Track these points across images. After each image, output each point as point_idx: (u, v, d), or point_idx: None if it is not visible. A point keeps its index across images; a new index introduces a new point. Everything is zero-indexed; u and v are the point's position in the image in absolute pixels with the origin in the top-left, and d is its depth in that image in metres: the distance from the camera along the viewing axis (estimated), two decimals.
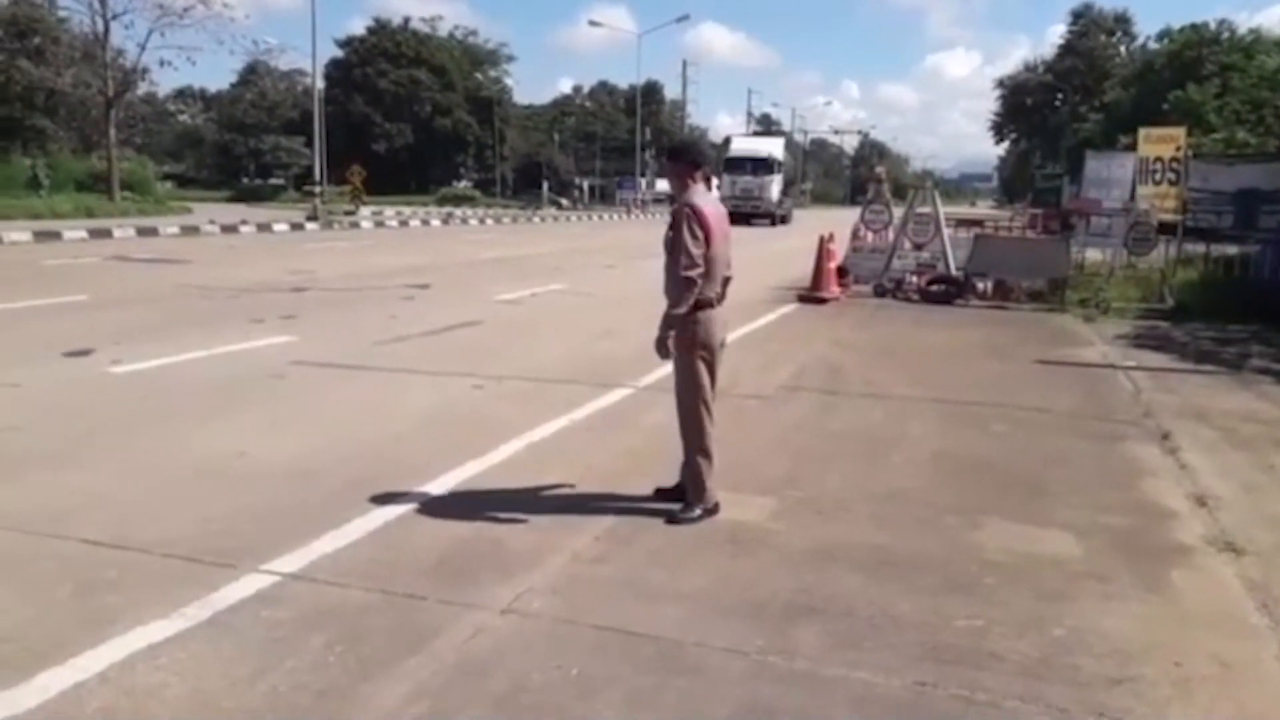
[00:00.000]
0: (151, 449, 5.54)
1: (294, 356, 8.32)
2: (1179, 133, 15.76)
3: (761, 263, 18.95)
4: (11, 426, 5.94)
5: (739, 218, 36.19)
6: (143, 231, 23.08)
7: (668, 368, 4.77)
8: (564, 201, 61.51)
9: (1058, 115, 75.01)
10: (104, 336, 8.83)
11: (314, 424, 6.23)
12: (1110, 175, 17.28)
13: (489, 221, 39.43)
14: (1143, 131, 16.47)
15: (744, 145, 49.62)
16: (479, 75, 76.02)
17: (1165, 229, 14.55)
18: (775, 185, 45.53)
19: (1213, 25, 50.95)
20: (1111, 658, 3.36)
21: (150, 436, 5.80)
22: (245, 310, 11.08)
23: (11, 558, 3.94)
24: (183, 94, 73.27)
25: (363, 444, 5.76)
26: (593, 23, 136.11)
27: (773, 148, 48.46)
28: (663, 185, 47.44)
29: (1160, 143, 15.60)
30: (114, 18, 31.82)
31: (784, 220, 47.16)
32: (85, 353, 8.11)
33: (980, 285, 14.49)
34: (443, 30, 75.19)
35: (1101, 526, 4.69)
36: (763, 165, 45.49)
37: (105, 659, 3.10)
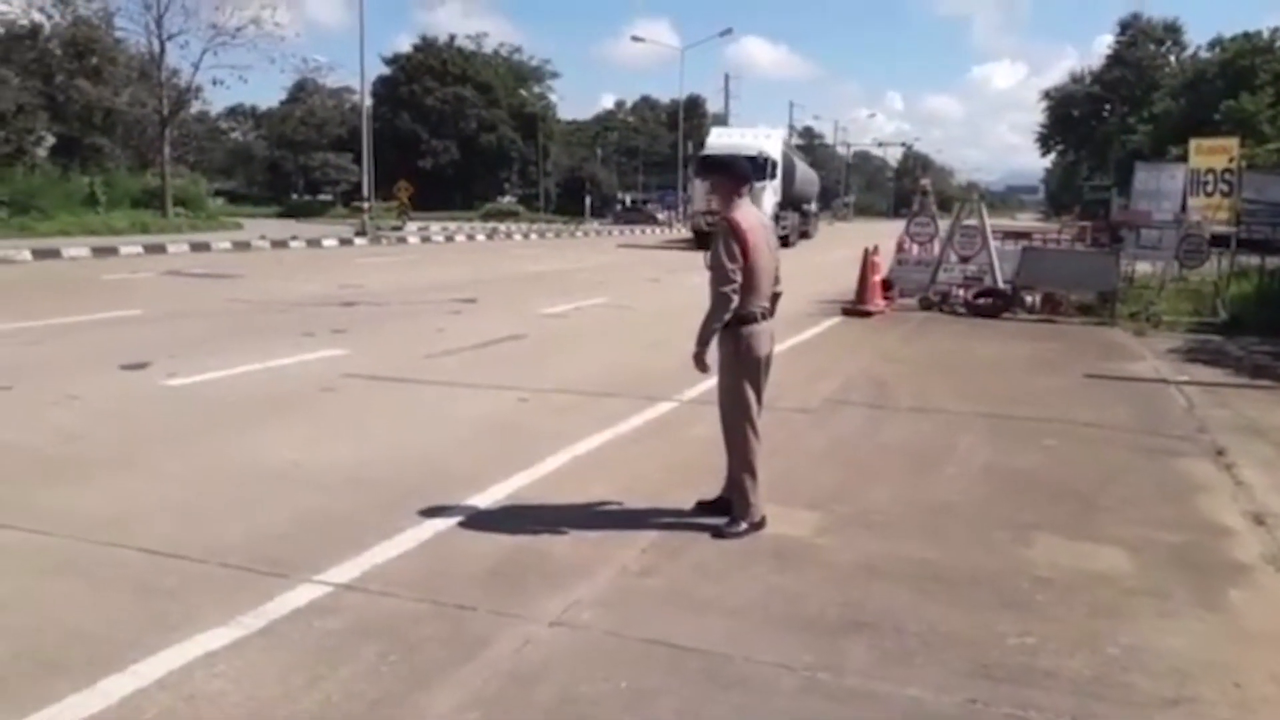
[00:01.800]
0: (206, 460, 5.65)
1: (344, 369, 8.44)
2: (1232, 143, 15.51)
3: (804, 275, 18.88)
4: (73, 437, 6.09)
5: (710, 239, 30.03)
6: (195, 247, 23.54)
7: (711, 381, 4.78)
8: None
9: (1105, 126, 74.04)
10: (159, 350, 9.02)
11: (364, 436, 6.32)
12: (1160, 187, 16.98)
13: (533, 236, 39.70)
14: (1194, 142, 16.22)
15: (725, 140, 34.55)
16: (523, 91, 76.67)
17: (1218, 241, 14.30)
18: (769, 194, 31.89)
19: (1266, 34, 50.09)
20: (1168, 677, 3.31)
21: (205, 448, 5.92)
22: (296, 324, 11.26)
23: (74, 564, 4.04)
24: (234, 112, 74.71)
25: (412, 455, 5.83)
26: (635, 38, 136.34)
27: (765, 143, 34.21)
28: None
29: (1212, 153, 15.35)
30: (169, 38, 32.58)
31: (785, 242, 36.53)
32: (141, 365, 8.29)
33: (1028, 298, 14.33)
34: (488, 47, 76.02)
35: (1156, 543, 4.62)
36: (750, 167, 34.78)
37: (165, 665, 3.17)
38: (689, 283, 16.21)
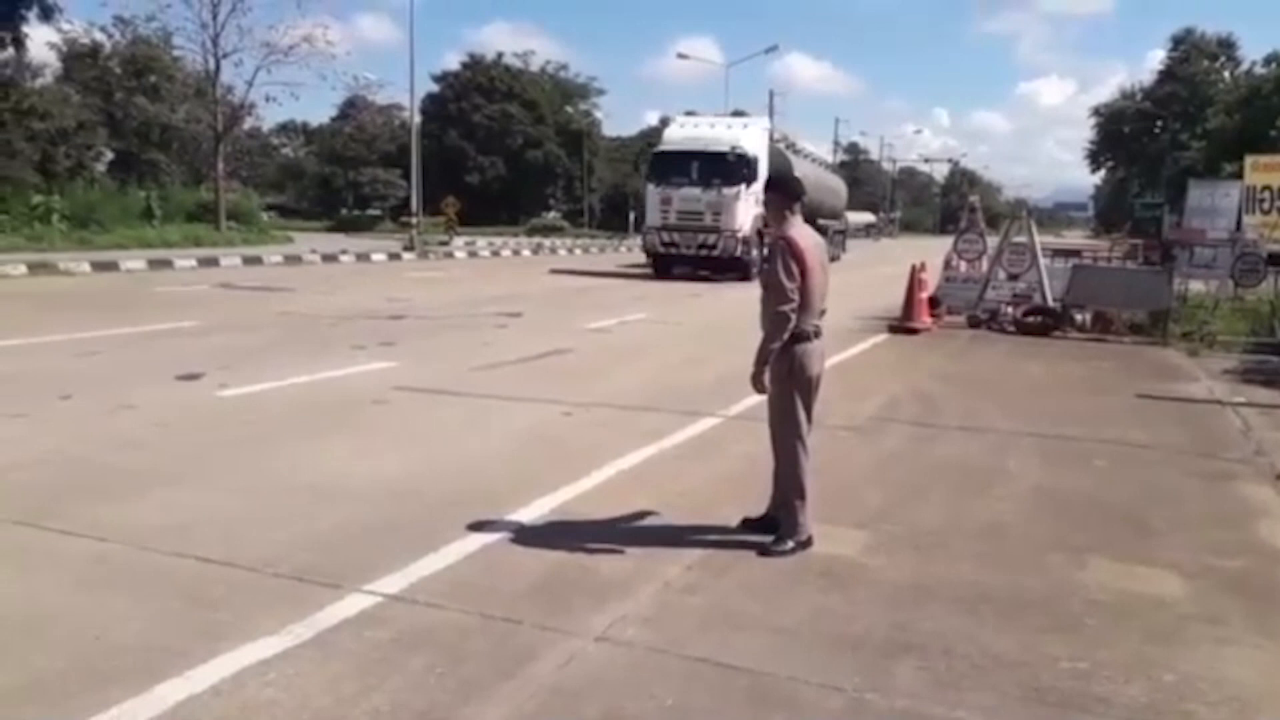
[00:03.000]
0: (259, 470, 5.74)
1: (394, 382, 8.54)
2: None
3: (849, 292, 18.77)
4: (128, 446, 6.22)
5: (679, 260, 24.00)
6: (248, 260, 23.97)
7: (756, 397, 4.76)
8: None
9: (1157, 143, 72.84)
10: (212, 361, 9.19)
11: (413, 448, 6.38)
12: (1215, 204, 16.71)
13: (577, 251, 39.88)
14: (1249, 159, 15.96)
15: (689, 132, 25.65)
16: (569, 109, 77.17)
17: (1275, 260, 14.00)
18: (745, 204, 23.34)
19: None
20: (1226, 705, 3.23)
21: (257, 458, 6.01)
22: (346, 337, 11.42)
23: (130, 572, 4.12)
24: (285, 128, 76.06)
25: (459, 468, 5.88)
26: (680, 55, 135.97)
27: (742, 136, 24.83)
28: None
29: (1269, 170, 15.10)
30: (224, 56, 33.16)
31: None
32: (195, 376, 8.45)
33: (1078, 317, 14.12)
34: (534, 65, 76.66)
35: (1212, 568, 4.52)
36: (720, 167, 23.59)
37: (218, 673, 3.22)
38: (728, 298, 16.23)
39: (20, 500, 4.97)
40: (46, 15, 33.61)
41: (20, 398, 7.41)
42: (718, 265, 23.59)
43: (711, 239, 23.34)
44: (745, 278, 22.27)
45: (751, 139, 24.84)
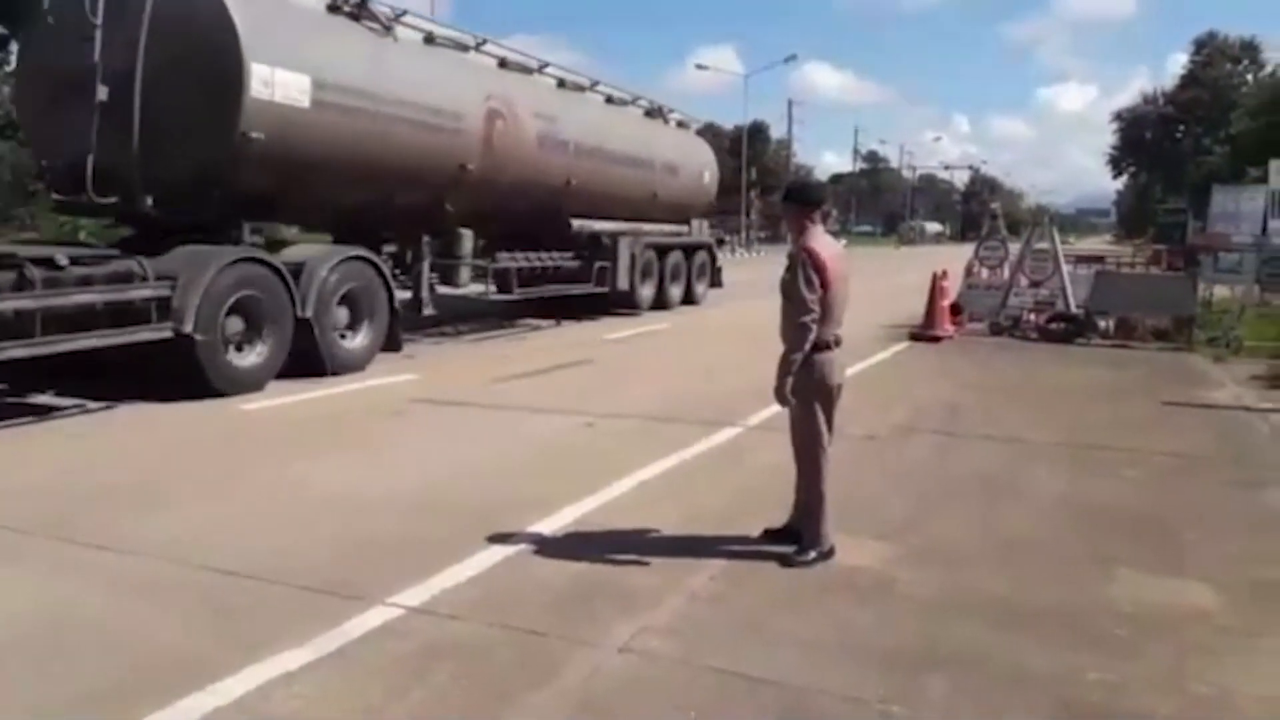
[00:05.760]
0: (282, 483, 5.76)
1: (413, 394, 8.57)
2: None
3: (870, 301, 18.70)
4: (151, 459, 6.27)
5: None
6: None
7: (776, 407, 4.73)
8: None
9: (1179, 148, 72.27)
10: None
11: (433, 460, 6.39)
12: (1239, 209, 16.50)
13: None
14: (1274, 163, 15.76)
15: None
16: None
17: None
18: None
19: None
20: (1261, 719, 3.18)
21: (281, 471, 6.04)
22: None
23: (156, 584, 4.13)
24: None
25: (480, 480, 5.88)
26: (699, 66, 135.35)
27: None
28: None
29: None
30: None
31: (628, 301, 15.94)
32: (219, 391, 8.48)
33: (1102, 323, 14.00)
34: None
35: (1245, 579, 4.46)
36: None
37: (243, 686, 3.22)
38: (749, 307, 16.16)
39: (46, 514, 5.00)
40: None
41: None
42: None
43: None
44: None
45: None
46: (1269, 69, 67.78)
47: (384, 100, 10.17)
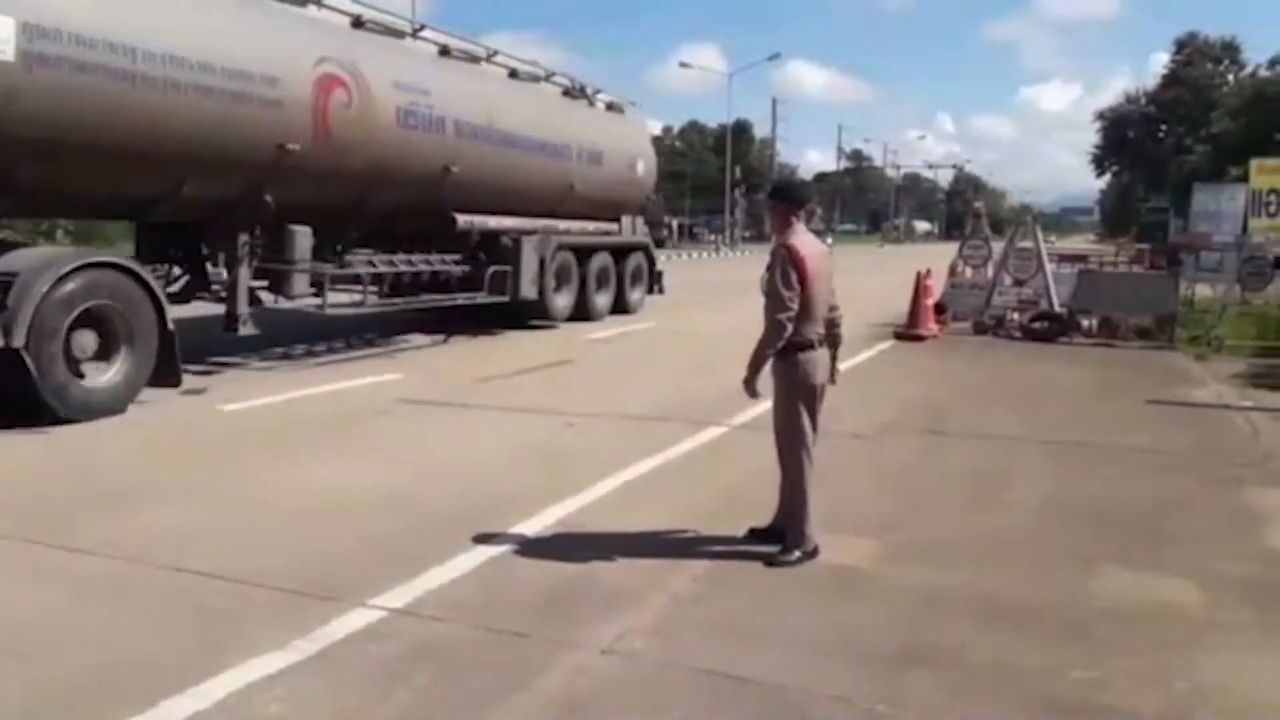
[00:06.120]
0: (263, 484, 5.72)
1: (397, 394, 8.53)
2: None
3: (855, 300, 18.76)
4: (135, 461, 6.22)
5: None
6: None
7: (761, 406, 4.74)
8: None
9: (1161, 147, 72.72)
10: (215, 376, 9.19)
11: (417, 460, 6.36)
12: (1220, 208, 16.68)
13: None
14: (1255, 162, 15.93)
15: None
16: None
17: None
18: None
19: None
20: (1241, 715, 3.20)
21: (261, 472, 6.00)
22: (348, 349, 11.39)
23: (134, 588, 4.10)
24: None
25: (463, 480, 5.85)
26: (683, 64, 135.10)
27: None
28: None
29: (1274, 174, 15.09)
30: None
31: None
32: (199, 391, 8.42)
33: (1085, 322, 14.08)
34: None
35: (1226, 575, 4.48)
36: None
37: (223, 688, 3.19)
38: (733, 306, 16.20)
39: (26, 515, 4.95)
40: None
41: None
42: None
43: None
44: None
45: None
46: (1249, 69, 68.42)
47: (150, 57, 7.69)
